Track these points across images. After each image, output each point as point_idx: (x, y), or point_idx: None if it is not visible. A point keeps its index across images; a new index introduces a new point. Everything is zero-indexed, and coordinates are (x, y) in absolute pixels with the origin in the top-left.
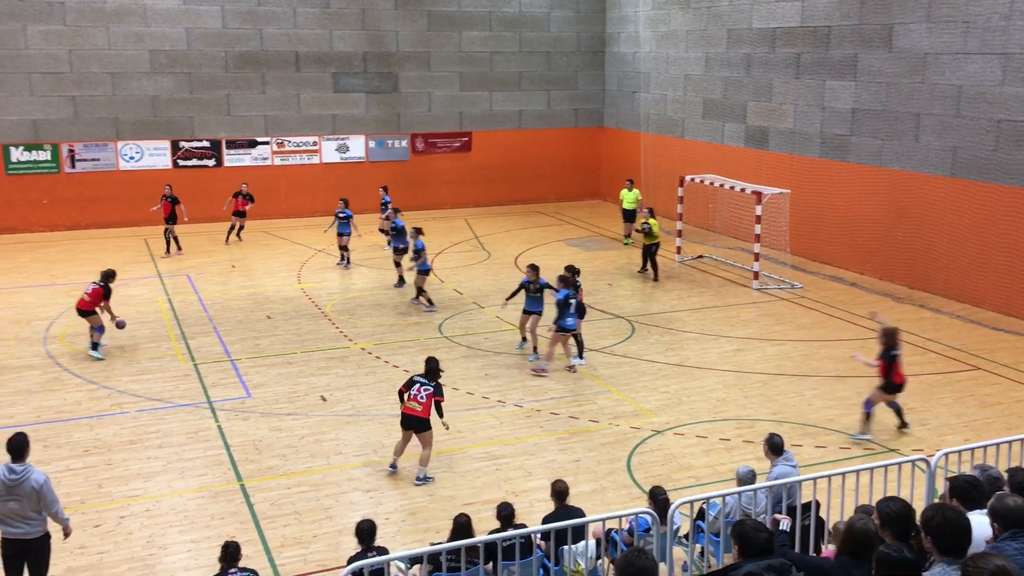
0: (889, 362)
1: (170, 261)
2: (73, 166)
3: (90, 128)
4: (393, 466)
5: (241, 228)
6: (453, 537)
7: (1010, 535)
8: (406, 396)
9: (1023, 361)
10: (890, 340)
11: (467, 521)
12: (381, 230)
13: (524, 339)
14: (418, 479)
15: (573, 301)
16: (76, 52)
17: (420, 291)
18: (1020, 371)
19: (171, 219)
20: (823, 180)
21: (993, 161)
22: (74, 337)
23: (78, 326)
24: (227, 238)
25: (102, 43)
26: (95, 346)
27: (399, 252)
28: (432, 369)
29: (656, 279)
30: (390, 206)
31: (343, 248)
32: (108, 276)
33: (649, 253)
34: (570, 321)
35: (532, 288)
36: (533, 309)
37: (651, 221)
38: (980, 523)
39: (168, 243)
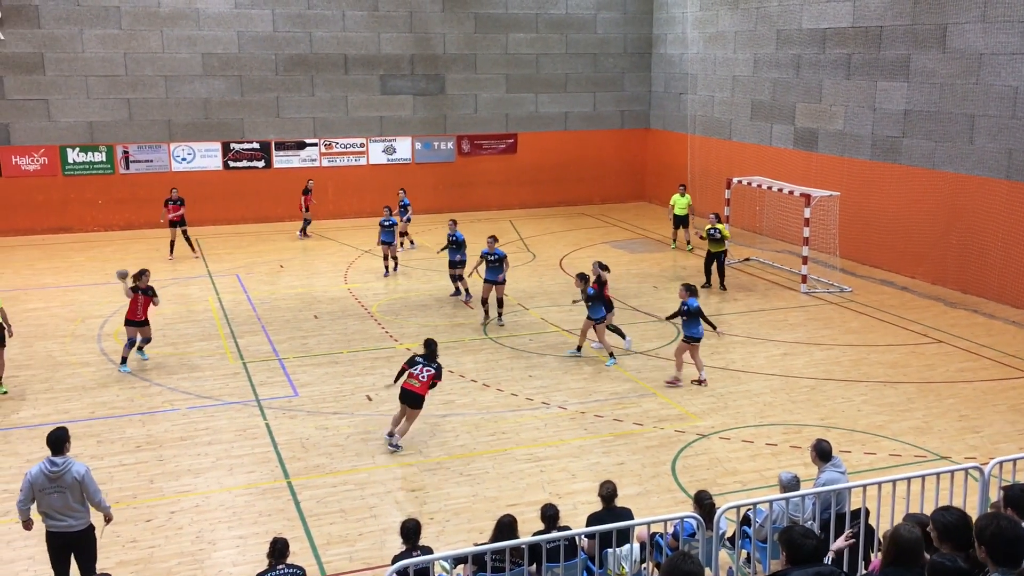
0: None
1: (219, 261)
2: (127, 167)
3: (144, 130)
4: (390, 434)
5: (307, 223)
6: (497, 537)
7: None
8: (407, 373)
9: None
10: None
11: (511, 521)
12: (402, 233)
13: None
14: (392, 445)
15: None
16: (131, 55)
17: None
18: None
19: (182, 221)
20: (874, 183)
21: None
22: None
23: None
24: (300, 233)
25: (156, 46)
26: (140, 350)
27: (457, 266)
28: (432, 351)
29: (723, 287)
30: (410, 209)
31: (388, 258)
32: (136, 277)
33: (716, 261)
34: (698, 330)
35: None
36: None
37: (720, 226)
38: None
39: (184, 244)
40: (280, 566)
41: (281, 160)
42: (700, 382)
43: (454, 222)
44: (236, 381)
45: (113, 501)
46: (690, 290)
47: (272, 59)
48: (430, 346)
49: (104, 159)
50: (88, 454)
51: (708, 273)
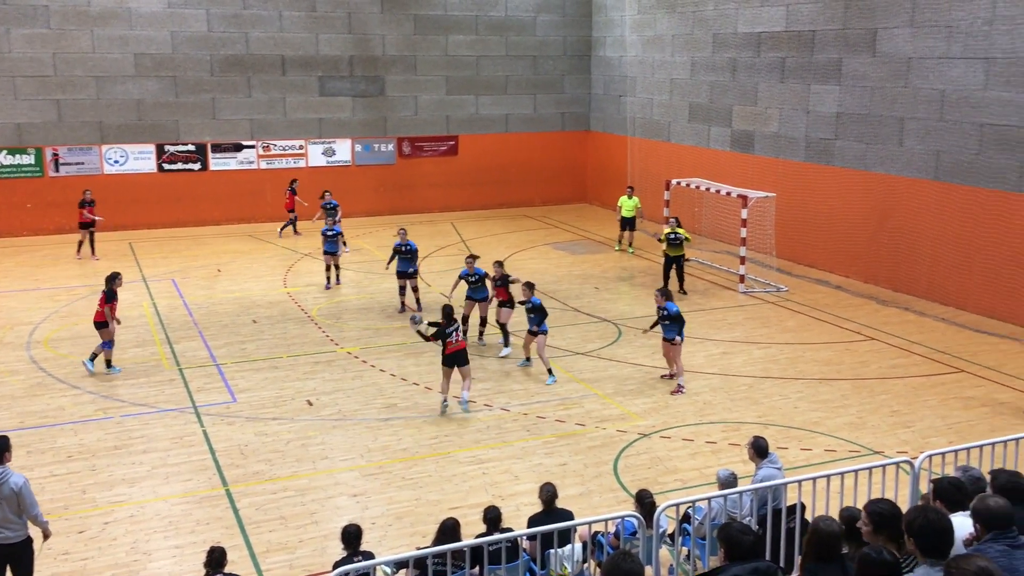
0: None
1: (154, 266)
2: (57, 170)
3: (74, 132)
4: (446, 403)
5: (295, 221)
6: (439, 541)
7: (992, 536)
8: (450, 341)
9: (1006, 363)
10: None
11: (454, 524)
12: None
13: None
14: (463, 402)
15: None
16: (60, 55)
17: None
18: (1003, 373)
19: (92, 223)
20: (808, 184)
21: (976, 165)
22: (58, 342)
23: (62, 330)
24: (280, 231)
25: (87, 46)
26: (93, 357)
27: (410, 276)
28: (451, 314)
29: (683, 291)
30: (339, 210)
31: (331, 268)
32: (109, 280)
33: (677, 265)
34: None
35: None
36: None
37: (680, 230)
38: (963, 525)
39: (81, 246)
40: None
41: (218, 162)
42: (678, 389)
43: (404, 231)
44: (172, 388)
45: (45, 513)
46: (665, 294)
47: (207, 60)
48: (448, 310)
49: (33, 162)
50: (18, 465)
51: (666, 278)
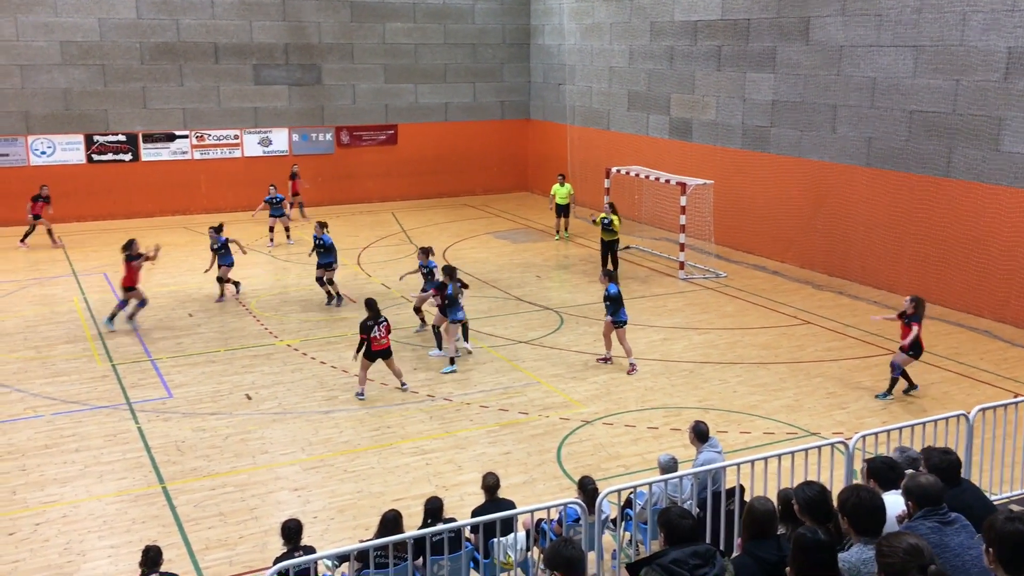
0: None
1: (84, 260)
2: None
3: None
4: (362, 394)
5: (302, 205)
6: (381, 533)
7: (923, 514)
8: (372, 335)
9: (936, 345)
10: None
11: (395, 516)
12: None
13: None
14: (404, 385)
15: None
16: None
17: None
18: (934, 355)
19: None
20: (746, 171)
21: (906, 151)
22: None
23: None
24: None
25: (9, 34)
26: (112, 318)
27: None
28: (376, 309)
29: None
30: (284, 202)
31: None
32: (128, 246)
33: (611, 250)
34: (622, 314)
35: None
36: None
37: (613, 217)
38: (895, 503)
39: (28, 235)
40: (152, 575)
41: (150, 153)
42: (632, 368)
43: (321, 224)
44: (105, 384)
45: None
46: (608, 275)
47: (137, 47)
48: (372, 305)
49: None
50: None
51: (604, 262)
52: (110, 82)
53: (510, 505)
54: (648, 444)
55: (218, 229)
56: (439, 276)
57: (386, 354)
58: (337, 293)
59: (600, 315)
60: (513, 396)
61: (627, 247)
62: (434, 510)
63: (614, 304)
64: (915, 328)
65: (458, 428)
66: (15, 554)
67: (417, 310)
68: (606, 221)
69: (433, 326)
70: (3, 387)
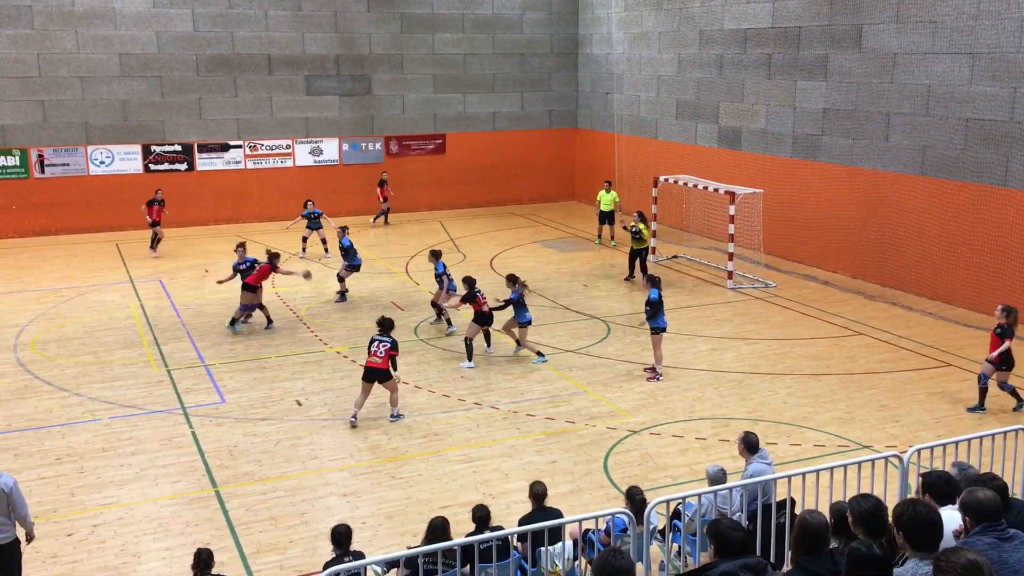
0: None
1: (141, 267)
2: (43, 171)
3: (60, 133)
4: (354, 417)
5: (387, 212)
6: (428, 539)
7: (981, 529)
8: (368, 352)
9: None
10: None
11: (443, 523)
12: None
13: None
14: (393, 416)
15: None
16: (45, 56)
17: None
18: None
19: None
20: (796, 180)
21: (962, 160)
22: (44, 344)
23: (48, 333)
24: (384, 221)
25: (71, 47)
26: (233, 322)
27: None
28: (385, 327)
29: (631, 278)
30: (322, 218)
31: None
32: (274, 257)
33: (639, 258)
34: (660, 320)
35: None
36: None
37: (641, 226)
38: (951, 519)
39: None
40: None
41: (204, 162)
42: (654, 375)
43: (342, 228)
44: (160, 389)
45: (32, 516)
46: (651, 281)
47: (193, 59)
48: (384, 322)
49: (18, 163)
50: (5, 468)
51: (631, 267)
52: (167, 93)
53: (557, 514)
54: (696, 455)
55: (243, 247)
56: (456, 282)
57: (381, 376)
58: (340, 291)
59: (644, 325)
60: (560, 405)
61: (674, 256)
62: (482, 518)
63: (653, 309)
64: (1006, 342)
65: (505, 436)
66: (73, 555)
67: (435, 305)
68: (635, 230)
69: (466, 338)
70: (63, 391)
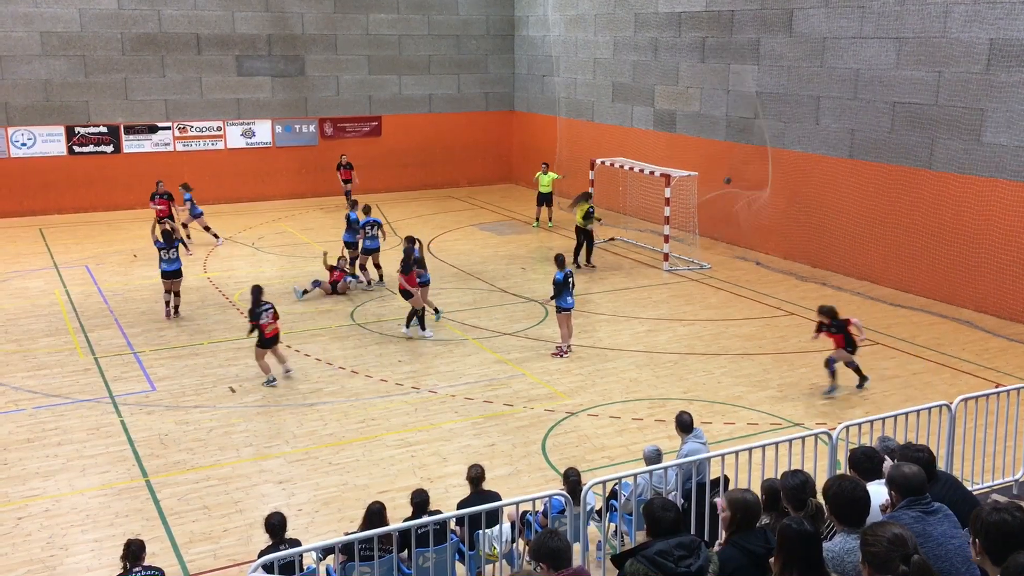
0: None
1: (66, 252)
2: None
3: None
4: (273, 380)
5: (348, 194)
6: (366, 525)
7: (906, 503)
8: (262, 322)
9: (919, 335)
10: (831, 315)
11: (380, 508)
12: (184, 224)
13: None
14: (288, 371)
15: (571, 280)
16: None
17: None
18: (916, 345)
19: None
20: (729, 162)
21: (889, 142)
22: None
23: None
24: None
25: None
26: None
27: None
28: (258, 295)
29: (590, 263)
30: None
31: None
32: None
33: (588, 238)
34: (571, 300)
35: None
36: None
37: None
38: (878, 493)
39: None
40: (136, 569)
41: (132, 144)
42: (559, 351)
43: (352, 203)
44: (87, 377)
45: None
46: (556, 262)
47: (118, 38)
48: (256, 292)
49: None
50: None
51: (579, 250)
52: (91, 73)
53: (495, 497)
54: (633, 435)
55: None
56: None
57: (274, 341)
58: (356, 277)
59: (582, 307)
60: (498, 388)
61: (611, 239)
62: (420, 504)
63: (557, 289)
64: (840, 337)
65: (443, 420)
66: None
67: (356, 263)
68: (591, 210)
69: (413, 309)
70: None
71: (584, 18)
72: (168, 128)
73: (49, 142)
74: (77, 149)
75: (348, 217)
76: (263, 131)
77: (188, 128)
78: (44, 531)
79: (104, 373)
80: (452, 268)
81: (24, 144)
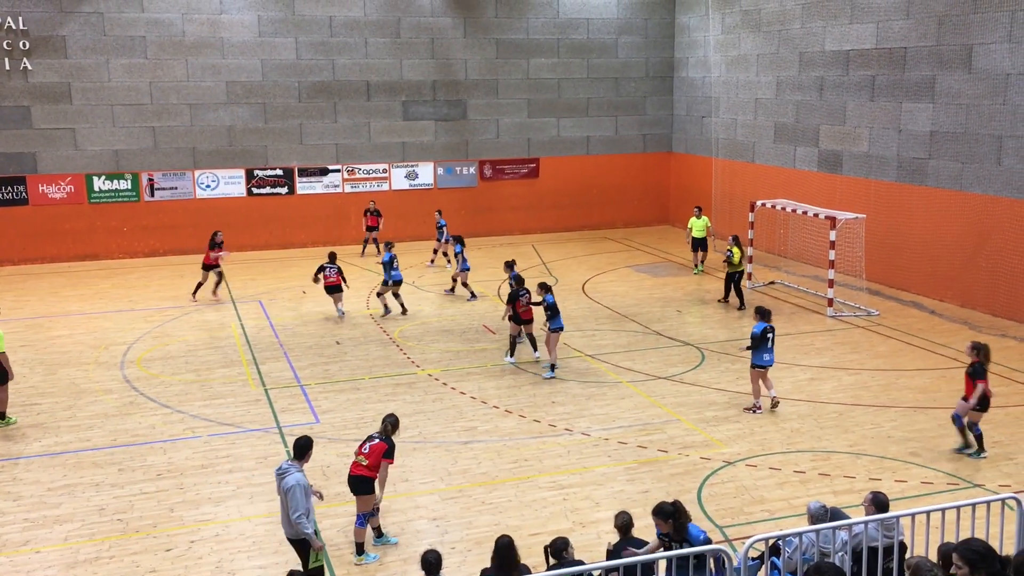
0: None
1: (243, 288)
2: (152, 195)
3: (168, 157)
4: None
5: (375, 241)
6: (495, 559)
7: None
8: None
9: None
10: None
11: (509, 542)
12: (435, 250)
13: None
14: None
15: (770, 335)
16: (156, 84)
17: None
18: None
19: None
20: (900, 204)
21: None
22: (149, 362)
23: (154, 351)
24: (363, 251)
25: (181, 75)
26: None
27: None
28: (387, 427)
29: (742, 307)
30: (445, 230)
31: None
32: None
33: (732, 281)
34: (767, 358)
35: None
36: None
37: (734, 249)
38: None
39: (200, 287)
40: None
41: (304, 186)
42: (754, 409)
43: (387, 244)
44: (257, 408)
45: (133, 530)
46: (759, 313)
47: (295, 86)
48: (388, 419)
49: (129, 187)
50: (109, 482)
51: (727, 290)
52: (270, 119)
53: (644, 545)
54: (794, 489)
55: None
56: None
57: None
58: (384, 305)
59: (740, 352)
60: (652, 433)
61: (771, 282)
62: (558, 550)
63: (754, 343)
64: (979, 385)
65: (596, 464)
66: (171, 570)
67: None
68: (728, 253)
69: (511, 335)
70: (166, 407)
71: (746, 58)
72: (338, 171)
73: (231, 184)
74: (255, 190)
75: (383, 261)
76: (425, 173)
77: (356, 170)
78: (214, 555)
79: (273, 404)
80: (607, 309)
81: (208, 186)
